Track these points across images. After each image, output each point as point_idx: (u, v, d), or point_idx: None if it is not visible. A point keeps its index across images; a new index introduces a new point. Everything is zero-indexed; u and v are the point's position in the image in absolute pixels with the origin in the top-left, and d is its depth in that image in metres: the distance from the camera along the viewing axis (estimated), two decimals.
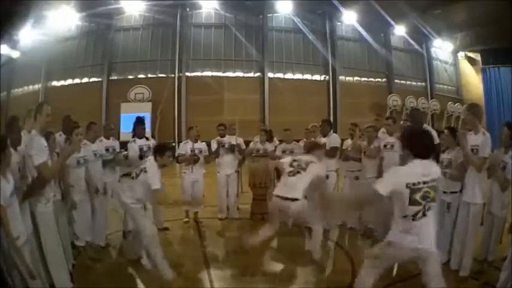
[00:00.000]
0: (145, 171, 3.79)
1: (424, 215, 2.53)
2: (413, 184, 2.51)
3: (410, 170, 2.57)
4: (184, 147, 5.98)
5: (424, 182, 2.53)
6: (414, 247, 2.53)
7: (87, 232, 4.35)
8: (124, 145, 5.57)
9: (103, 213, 4.69)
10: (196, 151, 5.92)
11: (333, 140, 5.58)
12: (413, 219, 2.52)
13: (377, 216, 4.75)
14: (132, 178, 3.92)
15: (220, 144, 6.17)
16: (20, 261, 2.58)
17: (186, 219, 5.96)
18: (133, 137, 5.46)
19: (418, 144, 2.64)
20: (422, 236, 2.53)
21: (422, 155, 2.61)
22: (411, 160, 2.61)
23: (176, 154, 5.90)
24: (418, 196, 2.51)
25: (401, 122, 5.32)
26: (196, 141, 6.00)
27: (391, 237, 2.63)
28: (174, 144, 11.60)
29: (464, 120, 4.56)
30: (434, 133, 3.21)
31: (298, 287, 3.90)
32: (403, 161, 4.59)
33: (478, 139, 3.71)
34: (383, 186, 2.55)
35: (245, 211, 6.39)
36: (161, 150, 3.95)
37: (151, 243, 3.78)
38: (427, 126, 4.67)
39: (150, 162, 3.88)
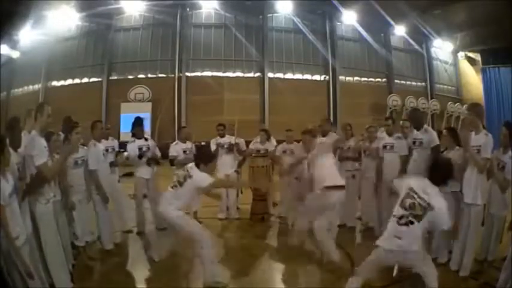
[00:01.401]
0: (190, 177, 3.67)
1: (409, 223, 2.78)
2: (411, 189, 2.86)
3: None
4: (176, 149, 5.90)
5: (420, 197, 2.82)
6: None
7: (86, 232, 4.37)
8: (124, 145, 5.57)
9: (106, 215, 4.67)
10: (188, 152, 5.89)
11: (332, 140, 5.55)
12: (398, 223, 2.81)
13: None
14: (176, 187, 3.73)
15: (219, 145, 6.17)
16: (18, 261, 2.58)
17: None
18: (132, 137, 5.47)
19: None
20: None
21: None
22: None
23: (170, 157, 5.86)
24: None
25: (401, 122, 5.30)
26: (185, 142, 5.96)
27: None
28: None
29: (465, 120, 4.53)
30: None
31: (298, 287, 3.91)
32: (403, 163, 4.63)
33: (480, 139, 3.66)
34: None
35: (245, 211, 6.39)
36: (207, 159, 3.84)
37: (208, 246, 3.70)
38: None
39: (193, 169, 3.74)
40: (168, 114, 15.27)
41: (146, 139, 5.49)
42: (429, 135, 4.50)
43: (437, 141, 4.43)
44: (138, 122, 5.52)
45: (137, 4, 16.30)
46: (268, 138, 6.44)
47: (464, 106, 17.50)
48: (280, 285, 4.00)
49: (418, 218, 2.76)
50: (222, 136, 6.26)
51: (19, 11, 12.03)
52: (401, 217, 2.80)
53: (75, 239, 4.09)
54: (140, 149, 5.32)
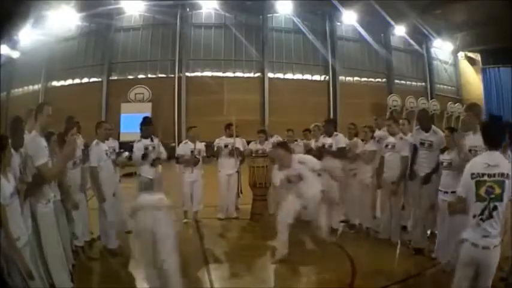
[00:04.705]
0: None
1: (490, 215, 2.41)
2: (478, 175, 2.45)
3: (478, 160, 2.57)
4: (184, 148, 5.97)
5: (489, 175, 2.44)
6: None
7: (86, 232, 4.37)
8: (123, 145, 5.58)
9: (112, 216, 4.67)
10: (196, 152, 5.92)
11: (339, 140, 5.51)
12: (481, 219, 2.42)
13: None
14: None
15: (224, 145, 6.20)
16: (18, 261, 2.58)
17: (185, 220, 5.96)
18: (140, 137, 5.46)
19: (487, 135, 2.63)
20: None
21: (491, 145, 2.57)
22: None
23: (176, 155, 5.92)
24: (482, 191, 2.42)
25: (400, 121, 5.32)
26: (195, 142, 6.00)
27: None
28: (174, 144, 11.58)
29: (464, 120, 4.51)
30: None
31: (298, 287, 3.91)
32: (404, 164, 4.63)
33: (478, 140, 3.63)
34: (460, 187, 2.58)
35: (245, 211, 6.39)
36: None
37: None
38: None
39: None
40: (168, 114, 15.27)
41: (152, 139, 5.48)
42: (438, 137, 4.41)
43: (445, 143, 4.32)
44: (144, 122, 5.53)
45: (137, 4, 16.31)
46: (267, 139, 6.45)
47: (458, 105, 17.53)
48: (280, 285, 4.00)
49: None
50: (231, 136, 6.26)
51: (19, 11, 12.02)
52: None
53: (74, 238, 4.10)
54: (146, 148, 5.30)
